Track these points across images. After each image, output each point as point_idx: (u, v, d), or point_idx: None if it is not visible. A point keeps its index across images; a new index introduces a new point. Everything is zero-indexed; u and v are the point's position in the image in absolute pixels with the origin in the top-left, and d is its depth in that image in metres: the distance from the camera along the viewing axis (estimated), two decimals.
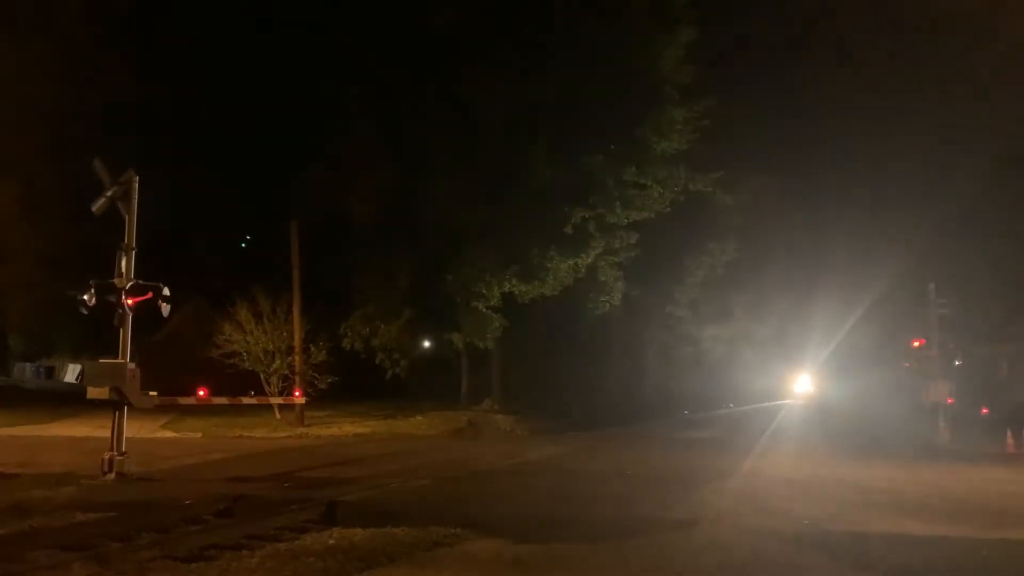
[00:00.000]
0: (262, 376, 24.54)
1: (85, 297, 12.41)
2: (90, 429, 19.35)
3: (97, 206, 12.92)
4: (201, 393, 18.49)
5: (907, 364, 29.95)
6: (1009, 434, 20.78)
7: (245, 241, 30.63)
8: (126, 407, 12.70)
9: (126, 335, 12.83)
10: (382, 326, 27.17)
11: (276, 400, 23.94)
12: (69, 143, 22.88)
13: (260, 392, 24.14)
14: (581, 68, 24.34)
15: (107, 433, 12.76)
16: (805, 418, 26.82)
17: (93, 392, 12.55)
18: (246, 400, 22.71)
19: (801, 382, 33.25)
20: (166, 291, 13.03)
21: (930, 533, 9.10)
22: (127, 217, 13.07)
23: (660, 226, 27.53)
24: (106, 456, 12.34)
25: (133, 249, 12.97)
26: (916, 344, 25.90)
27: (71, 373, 41.44)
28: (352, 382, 27.57)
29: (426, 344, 31.69)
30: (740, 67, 26.49)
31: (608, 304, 27.77)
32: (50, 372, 46.87)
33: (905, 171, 26.12)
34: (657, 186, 25.71)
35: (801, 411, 28.34)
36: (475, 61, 23.96)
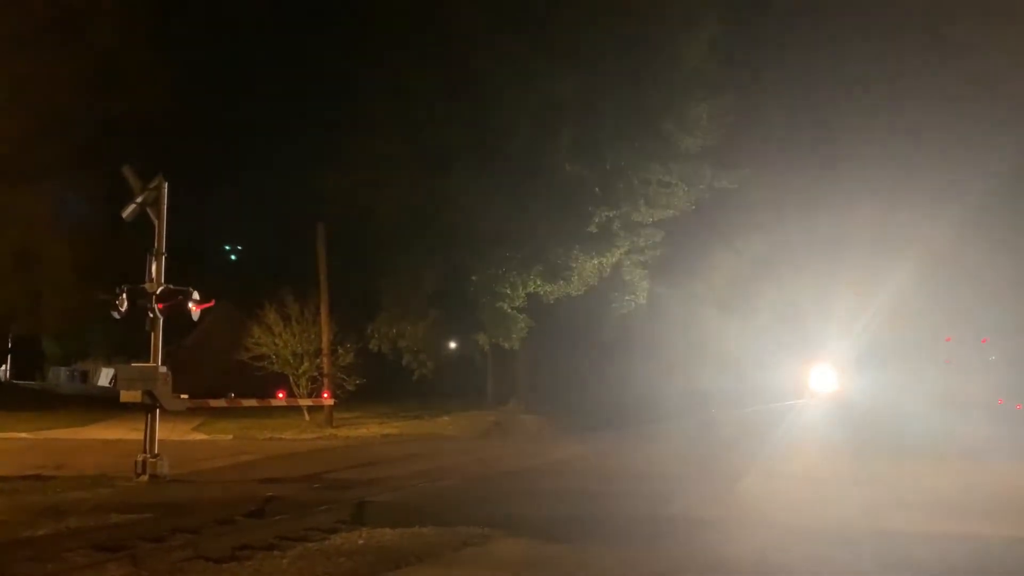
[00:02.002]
0: (291, 378, 24.80)
1: (117, 302, 12.63)
2: (123, 432, 19.67)
3: (127, 212, 13.15)
4: (231, 395, 18.76)
5: (947, 360, 29.34)
6: None
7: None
8: (158, 410, 12.89)
9: (157, 339, 13.02)
10: (408, 327, 27.31)
11: (305, 402, 24.18)
12: (101, 150, 23.32)
13: (289, 394, 24.40)
14: (604, 65, 24.24)
15: (140, 435, 12.96)
16: (833, 416, 26.40)
17: (126, 395, 12.75)
18: (275, 402, 22.99)
19: (823, 378, 31.90)
20: (196, 295, 13.23)
21: (964, 532, 8.94)
22: (157, 223, 13.28)
23: (686, 223, 27.30)
24: (139, 458, 12.54)
25: (163, 254, 13.17)
26: (948, 340, 25.44)
27: (104, 377, 42.12)
28: (379, 383, 27.76)
29: (452, 345, 31.80)
30: (764, 61, 26.05)
31: (633, 303, 27.63)
32: (84, 376, 47.71)
33: (932, 154, 25.26)
34: (682, 183, 25.53)
35: (827, 409, 27.78)
36: (497, 59, 23.96)
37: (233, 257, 27.02)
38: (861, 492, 12.11)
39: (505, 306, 25.41)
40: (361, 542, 8.01)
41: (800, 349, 33.37)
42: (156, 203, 13.28)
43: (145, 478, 12.32)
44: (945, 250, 25.77)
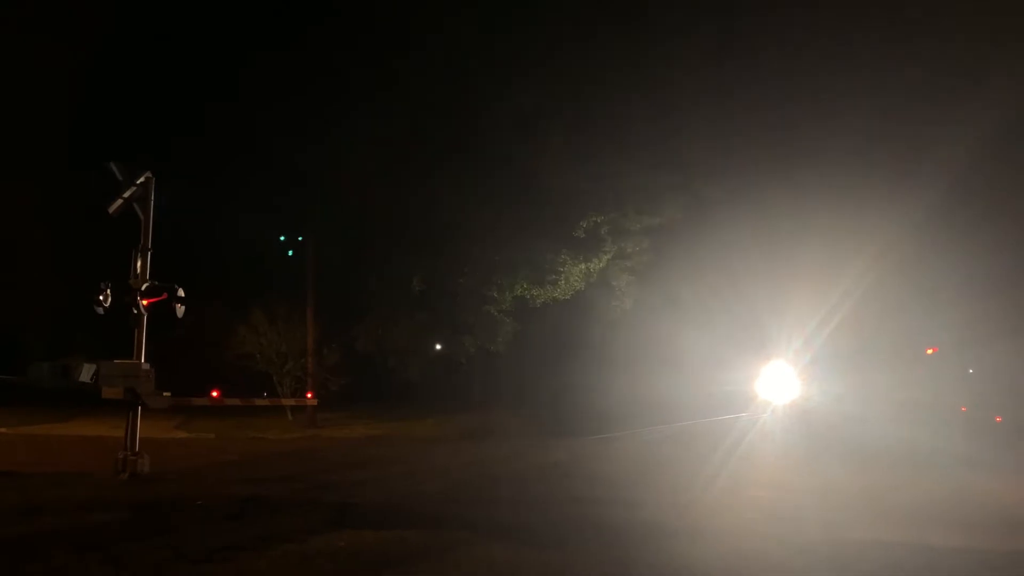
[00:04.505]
0: (275, 378, 24.69)
1: (100, 297, 12.53)
2: (105, 429, 19.52)
3: (113, 208, 13.01)
4: (214, 394, 18.63)
5: (920, 370, 29.42)
6: None
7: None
8: (140, 407, 12.79)
9: (141, 336, 12.93)
10: (394, 329, 27.24)
11: (289, 402, 24.10)
12: (87, 145, 23.16)
13: (273, 394, 24.30)
14: (594, 70, 24.29)
15: (121, 433, 12.86)
16: (792, 425, 26.34)
17: (108, 392, 12.65)
18: (259, 401, 22.89)
19: (778, 383, 29.25)
20: (181, 292, 13.14)
21: (943, 545, 9.01)
22: (143, 218, 13.18)
23: (671, 231, 27.35)
24: (120, 456, 12.43)
25: (149, 250, 13.08)
26: (930, 352, 25.46)
27: (86, 373, 41.67)
28: (364, 385, 27.68)
29: (438, 347, 31.73)
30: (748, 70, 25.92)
31: (620, 308, 27.70)
32: (66, 372, 47.19)
33: (893, 154, 24.73)
34: (670, 191, 25.61)
35: (786, 419, 27.41)
36: (488, 64, 23.98)
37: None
38: (846, 501, 12.20)
39: (492, 309, 25.42)
40: (342, 544, 7.97)
41: (777, 358, 32.86)
42: (143, 199, 13.18)
43: (126, 476, 12.22)
44: (907, 255, 25.57)
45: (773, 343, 29.68)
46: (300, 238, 26.05)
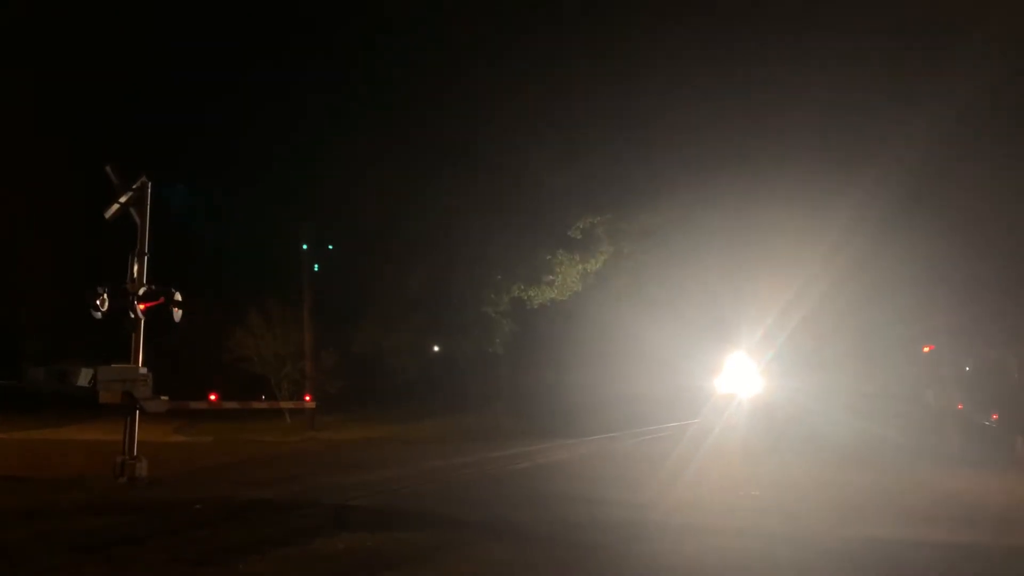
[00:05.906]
0: (272, 381, 24.69)
1: (98, 301, 12.53)
2: (102, 433, 19.51)
3: (110, 213, 13.02)
4: (212, 398, 18.66)
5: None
6: (1020, 441, 20.53)
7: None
8: (138, 411, 12.79)
9: (138, 340, 12.93)
10: (392, 331, 27.27)
11: (287, 404, 24.09)
12: (85, 150, 23.19)
13: (271, 397, 24.31)
14: (588, 73, 24.37)
15: (119, 437, 12.86)
16: (772, 421, 26.17)
17: (105, 396, 12.65)
18: (257, 405, 22.90)
19: (744, 379, 27.04)
20: (178, 296, 13.14)
21: (943, 540, 9.07)
22: (140, 223, 13.18)
23: (669, 230, 27.36)
24: (118, 460, 12.44)
25: (146, 255, 13.08)
26: (927, 350, 25.42)
27: (84, 377, 41.51)
28: (362, 387, 27.68)
29: (436, 349, 31.77)
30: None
31: (616, 309, 27.72)
32: (63, 376, 46.99)
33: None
34: (665, 190, 25.63)
35: (762, 415, 26.84)
36: (484, 67, 24.08)
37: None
38: (843, 498, 12.25)
39: (490, 311, 25.46)
40: (340, 546, 8.01)
41: (740, 353, 32.46)
42: (139, 203, 13.19)
43: (124, 480, 12.23)
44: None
45: (741, 340, 29.38)
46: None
